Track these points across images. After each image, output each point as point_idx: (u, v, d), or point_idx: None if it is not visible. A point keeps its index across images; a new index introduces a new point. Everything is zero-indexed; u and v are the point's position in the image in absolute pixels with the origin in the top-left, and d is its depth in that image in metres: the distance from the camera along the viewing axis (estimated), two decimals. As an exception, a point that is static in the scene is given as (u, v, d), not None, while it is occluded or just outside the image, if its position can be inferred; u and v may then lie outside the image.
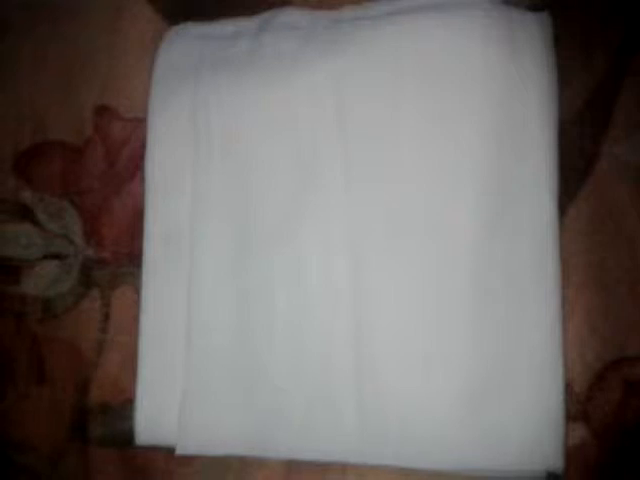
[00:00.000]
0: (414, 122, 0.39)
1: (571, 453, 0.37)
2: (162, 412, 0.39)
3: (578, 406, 0.38)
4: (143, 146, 0.42)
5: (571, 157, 0.40)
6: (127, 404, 0.41)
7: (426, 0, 0.40)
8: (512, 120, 0.38)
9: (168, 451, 0.40)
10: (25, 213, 0.44)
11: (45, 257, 0.44)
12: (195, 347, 0.40)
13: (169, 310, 0.41)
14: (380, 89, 0.39)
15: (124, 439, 0.41)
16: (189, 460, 0.41)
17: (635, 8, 0.41)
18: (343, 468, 0.40)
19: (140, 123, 0.43)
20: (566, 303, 0.38)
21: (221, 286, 0.40)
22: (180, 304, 0.40)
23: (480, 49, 0.38)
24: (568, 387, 0.37)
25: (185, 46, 0.43)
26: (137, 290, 0.42)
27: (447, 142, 0.38)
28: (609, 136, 0.40)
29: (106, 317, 0.43)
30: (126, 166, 0.44)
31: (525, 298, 0.37)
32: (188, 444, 0.39)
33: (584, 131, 0.40)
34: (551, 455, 0.36)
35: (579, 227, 0.40)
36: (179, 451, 0.39)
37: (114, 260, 0.43)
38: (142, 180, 0.42)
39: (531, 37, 0.38)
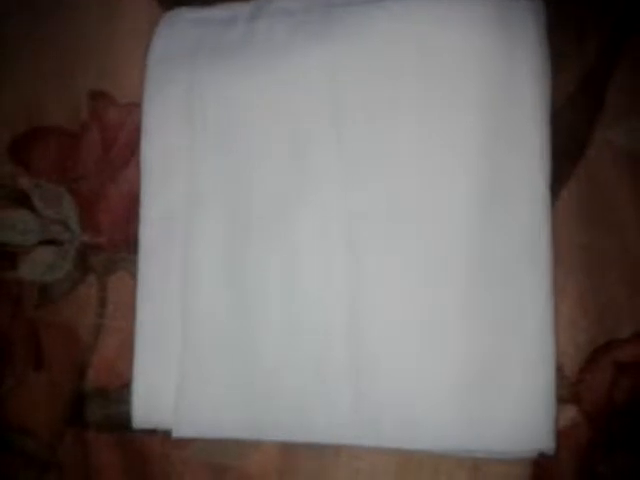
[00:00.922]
0: (409, 110, 0.39)
1: (563, 434, 0.38)
2: (158, 396, 0.40)
3: (569, 388, 0.39)
4: (139, 131, 0.42)
5: (564, 142, 0.40)
6: (124, 388, 0.41)
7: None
8: (505, 107, 0.38)
9: (165, 434, 0.40)
10: (22, 199, 0.44)
11: (41, 243, 0.44)
12: (191, 332, 0.40)
13: (165, 295, 0.41)
14: (374, 76, 0.39)
15: (121, 423, 0.41)
16: (185, 443, 0.41)
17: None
18: (337, 450, 0.40)
19: (136, 108, 0.43)
20: (558, 286, 0.38)
21: (217, 272, 0.40)
22: (176, 290, 0.41)
23: (473, 35, 0.38)
24: (559, 370, 0.38)
25: (180, 31, 0.43)
26: (133, 276, 0.42)
27: (442, 130, 0.39)
28: (601, 121, 0.40)
29: (103, 302, 0.43)
30: (122, 151, 0.44)
31: (518, 285, 0.37)
32: (184, 427, 0.39)
33: (577, 116, 0.41)
34: (543, 437, 0.36)
35: (571, 211, 0.40)
36: (175, 434, 0.39)
37: (110, 246, 0.43)
38: (138, 165, 0.42)
39: (524, 23, 0.38)
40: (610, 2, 0.41)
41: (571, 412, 0.39)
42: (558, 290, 0.38)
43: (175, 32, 0.43)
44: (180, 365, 0.40)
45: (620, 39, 0.41)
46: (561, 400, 0.38)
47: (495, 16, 0.38)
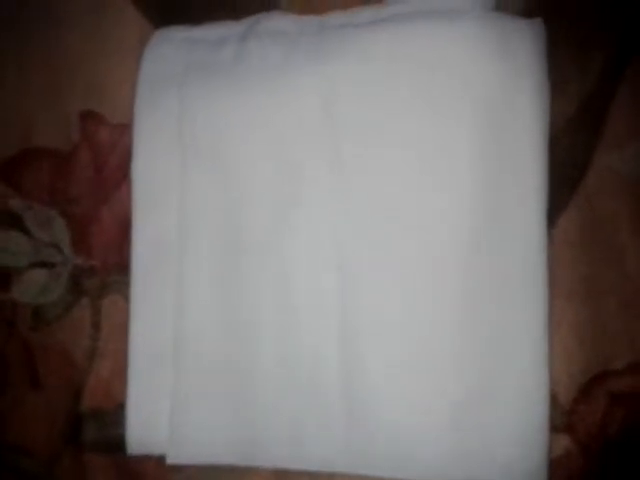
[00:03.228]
0: (403, 130, 0.38)
1: (556, 463, 0.38)
2: (152, 422, 0.40)
3: (563, 417, 0.39)
4: (130, 152, 0.42)
5: (563, 167, 0.39)
6: (119, 409, 0.42)
7: (413, 8, 0.39)
8: (503, 129, 0.38)
9: (160, 458, 0.40)
10: (14, 221, 0.44)
11: (34, 265, 0.44)
12: (183, 359, 0.40)
13: (158, 319, 0.41)
14: (367, 97, 0.39)
15: (116, 444, 0.41)
16: (180, 467, 0.41)
17: (629, 16, 0.40)
18: (331, 475, 0.40)
19: (126, 129, 0.43)
20: (554, 314, 0.38)
21: (209, 296, 0.40)
22: (169, 313, 0.41)
23: (471, 59, 0.37)
24: (553, 399, 0.38)
25: (170, 51, 0.42)
26: (126, 299, 0.42)
27: (437, 152, 0.38)
28: (601, 146, 0.40)
29: (96, 326, 0.43)
30: (114, 173, 0.44)
31: (512, 311, 0.37)
32: (178, 453, 0.40)
33: (576, 141, 0.40)
34: (535, 467, 0.36)
35: (569, 238, 0.39)
36: (170, 460, 0.40)
37: (103, 269, 0.43)
38: (130, 187, 0.42)
39: (523, 45, 0.38)
40: (611, 26, 0.40)
41: (564, 441, 0.39)
42: (554, 319, 0.38)
43: (165, 52, 0.42)
44: (173, 391, 0.40)
45: (622, 63, 0.40)
46: (555, 429, 0.38)
47: (494, 38, 0.38)
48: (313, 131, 0.39)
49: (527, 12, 0.40)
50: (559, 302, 0.39)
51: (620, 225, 0.39)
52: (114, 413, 0.42)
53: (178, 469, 0.41)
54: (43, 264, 0.44)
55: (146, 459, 0.41)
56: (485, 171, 0.38)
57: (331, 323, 0.39)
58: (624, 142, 0.39)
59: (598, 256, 0.39)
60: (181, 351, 0.40)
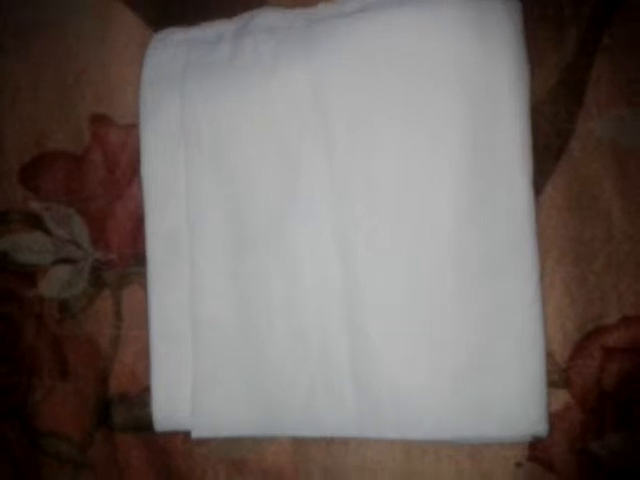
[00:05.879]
0: (391, 114, 0.40)
1: (556, 417, 0.40)
2: (176, 400, 0.43)
3: (560, 374, 0.40)
4: (139, 150, 0.44)
5: (546, 135, 0.41)
6: (144, 392, 0.44)
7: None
8: (485, 106, 0.39)
9: (186, 433, 0.43)
10: (35, 222, 0.47)
11: (57, 262, 0.47)
12: (200, 340, 0.42)
13: (175, 306, 0.43)
14: (355, 82, 0.41)
15: (144, 424, 0.44)
16: (205, 440, 0.44)
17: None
18: (345, 439, 0.43)
19: (134, 129, 0.45)
20: (546, 276, 0.40)
21: (221, 281, 0.43)
22: (185, 298, 0.43)
23: (450, 39, 0.39)
24: (550, 357, 0.40)
25: (170, 52, 0.44)
26: (144, 287, 0.44)
27: (425, 132, 0.40)
28: (582, 113, 0.41)
29: (118, 314, 0.46)
30: (125, 171, 0.46)
31: (506, 277, 0.39)
32: (202, 428, 0.42)
33: (558, 109, 0.41)
34: (535, 422, 0.38)
35: (556, 203, 0.41)
36: (194, 435, 0.42)
37: (121, 261, 0.46)
38: (141, 183, 0.44)
39: (500, 24, 0.39)
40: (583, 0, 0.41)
41: (563, 396, 0.40)
42: (546, 281, 0.40)
43: (164, 54, 0.44)
44: (193, 371, 0.42)
45: (598, 30, 0.41)
46: (553, 385, 0.40)
47: (471, 19, 0.39)
48: (306, 120, 0.41)
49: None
50: (550, 264, 0.41)
51: (604, 188, 0.41)
52: (140, 395, 0.45)
53: (203, 443, 0.44)
54: (66, 260, 0.47)
55: (173, 435, 0.44)
56: (472, 144, 0.39)
57: (336, 299, 0.41)
58: (605, 107, 0.41)
59: (585, 218, 0.41)
60: (198, 333, 0.43)
